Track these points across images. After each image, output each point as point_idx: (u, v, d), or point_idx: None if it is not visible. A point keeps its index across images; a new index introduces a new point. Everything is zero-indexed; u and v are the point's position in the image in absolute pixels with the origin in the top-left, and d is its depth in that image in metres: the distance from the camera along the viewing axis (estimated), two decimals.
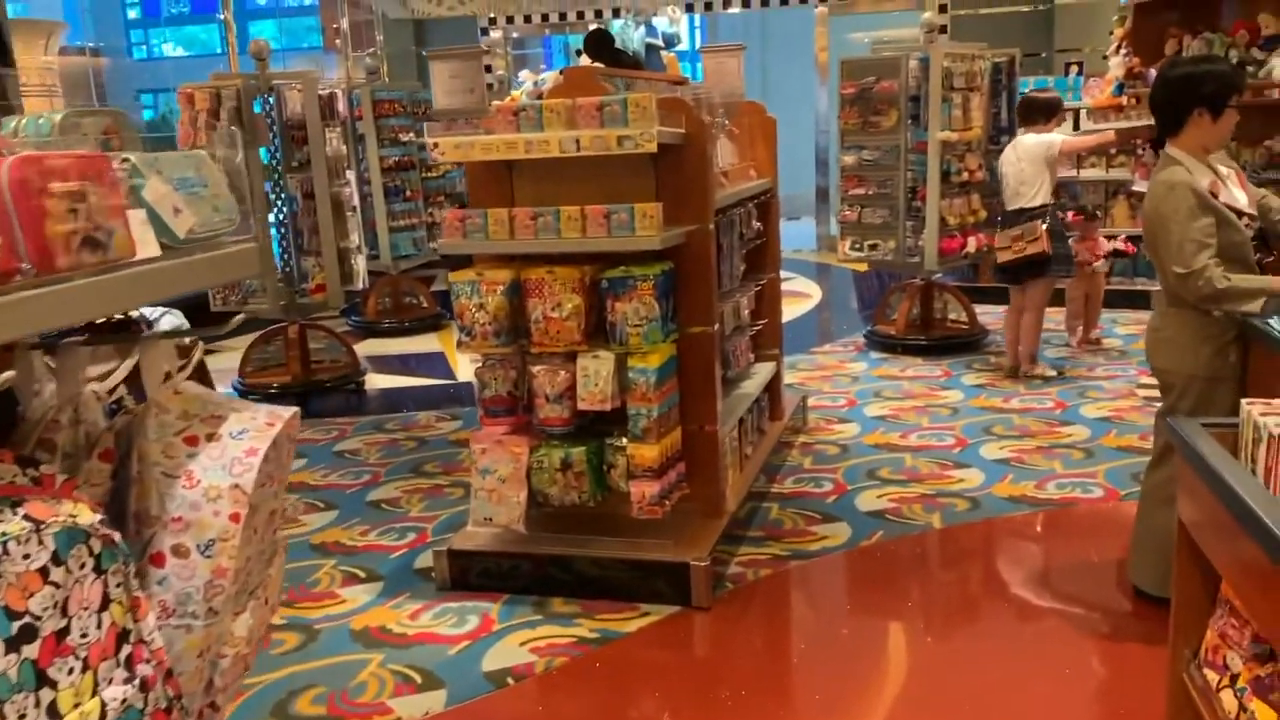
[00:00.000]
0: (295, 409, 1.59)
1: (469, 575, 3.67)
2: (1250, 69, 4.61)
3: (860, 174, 6.90)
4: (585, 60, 4.19)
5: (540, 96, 3.68)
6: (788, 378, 6.21)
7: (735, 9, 12.31)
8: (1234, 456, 1.89)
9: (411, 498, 4.64)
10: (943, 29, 11.30)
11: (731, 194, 4.11)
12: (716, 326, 3.72)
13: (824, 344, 7.36)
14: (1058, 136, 5.90)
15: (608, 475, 3.55)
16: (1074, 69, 8.27)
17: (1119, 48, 5.50)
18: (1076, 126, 7.98)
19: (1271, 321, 2.75)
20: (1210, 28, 4.87)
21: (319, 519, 4.45)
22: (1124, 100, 5.43)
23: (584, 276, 3.41)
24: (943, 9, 11.31)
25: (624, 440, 3.47)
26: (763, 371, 4.76)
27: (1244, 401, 1.88)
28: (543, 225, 3.41)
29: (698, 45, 17.11)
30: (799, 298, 9.27)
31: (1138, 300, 7.84)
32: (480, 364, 3.60)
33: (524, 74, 4.29)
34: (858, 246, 6.96)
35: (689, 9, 12.27)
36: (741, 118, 4.79)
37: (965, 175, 6.52)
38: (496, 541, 3.67)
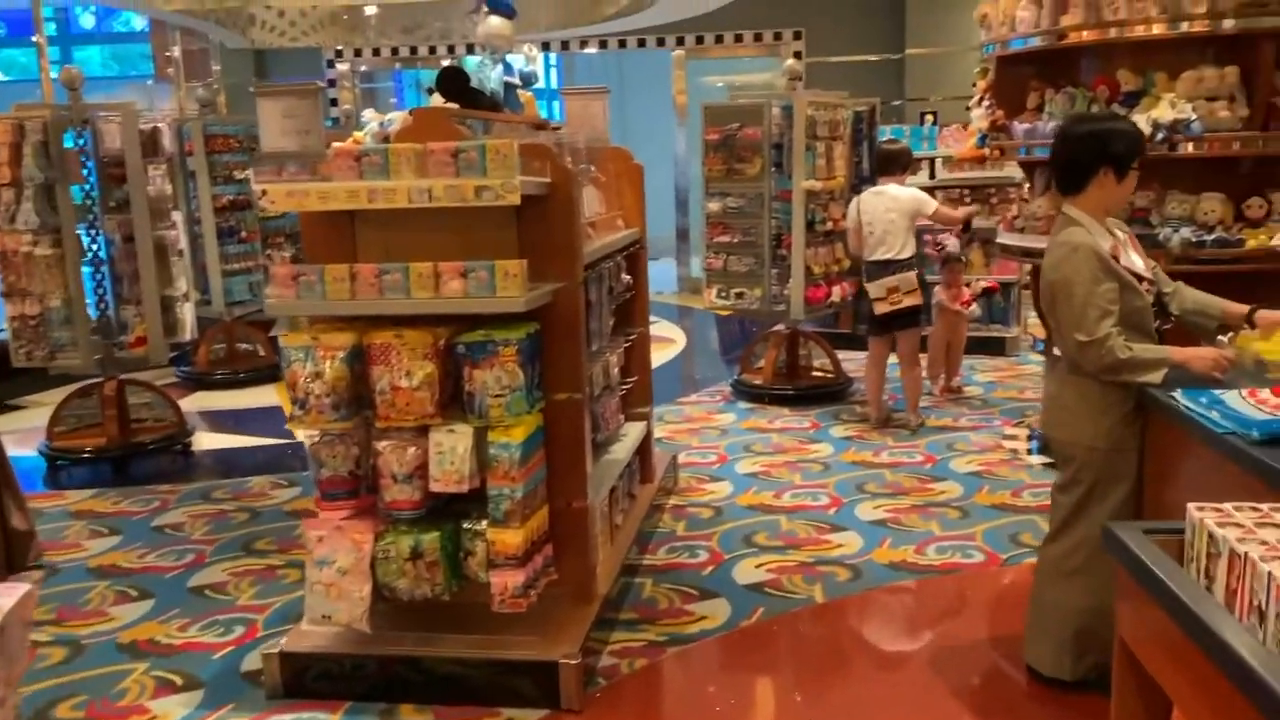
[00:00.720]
0: (28, 588, 1.17)
1: (305, 680, 3.21)
2: None
3: (725, 221, 6.74)
4: (438, 100, 3.83)
5: (387, 139, 3.30)
6: (656, 431, 5.95)
7: (592, 49, 12.16)
8: (1178, 564, 1.68)
9: (241, 582, 4.12)
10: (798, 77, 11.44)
11: (600, 247, 3.82)
12: (586, 391, 3.41)
13: (690, 393, 7.14)
14: (931, 201, 5.89)
15: (464, 564, 3.16)
16: (929, 118, 8.39)
17: (981, 99, 5.50)
18: (932, 175, 8.09)
19: (1174, 394, 2.62)
20: (1071, 82, 4.88)
21: (131, 611, 3.88)
22: (986, 152, 5.43)
23: (437, 341, 3.04)
24: (797, 55, 11.44)
25: (484, 524, 3.10)
26: (633, 432, 4.47)
27: (1191, 506, 1.67)
28: (389, 283, 3.03)
29: (554, 86, 16.92)
30: (663, 343, 9.05)
31: (993, 345, 7.97)
32: (316, 440, 3.17)
33: (368, 113, 3.90)
34: (724, 294, 6.79)
35: (545, 48, 12.05)
36: (607, 164, 4.52)
37: (829, 224, 6.43)
38: (337, 641, 3.22)
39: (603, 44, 12.00)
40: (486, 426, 3.06)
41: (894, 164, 5.94)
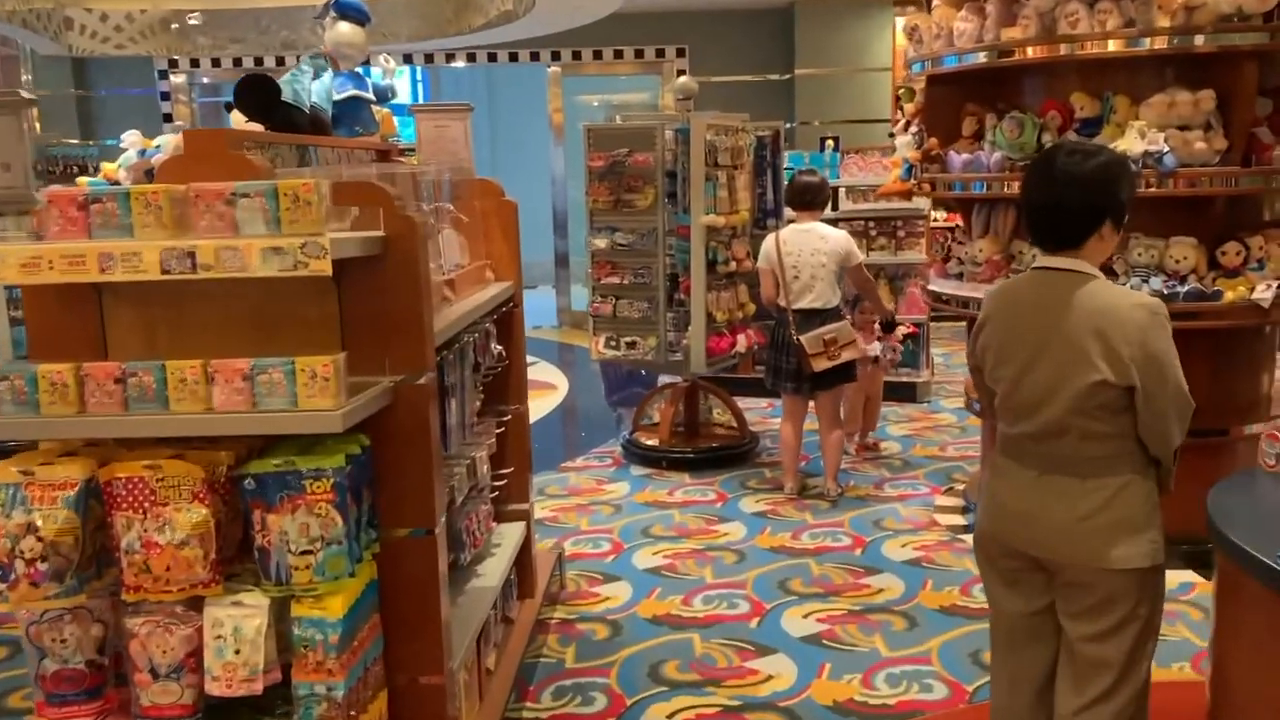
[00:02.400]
0: None
1: None
2: None
3: (613, 260, 5.87)
4: (237, 119, 2.87)
5: (150, 173, 2.32)
6: (536, 510, 5.02)
7: (460, 63, 11.18)
8: None
9: None
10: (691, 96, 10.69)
11: (462, 313, 2.89)
12: (442, 522, 2.47)
13: (576, 457, 6.22)
14: (858, 251, 5.16)
15: None
16: (829, 144, 7.72)
17: (908, 125, 4.80)
18: (835, 207, 7.40)
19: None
20: (1014, 106, 4.20)
21: None
22: (914, 186, 4.71)
23: (212, 473, 2.07)
24: (681, 74, 10.71)
25: None
26: (509, 540, 3.54)
27: None
28: (137, 391, 2.03)
29: (420, 103, 15.83)
30: (542, 389, 8.12)
31: (903, 391, 7.32)
32: (36, 621, 2.14)
33: (128, 136, 2.94)
34: (613, 343, 5.91)
35: (407, 61, 11.02)
36: (471, 201, 3.59)
37: (733, 264, 5.64)
38: None
39: (471, 58, 11.03)
40: (290, 596, 2.09)
41: (815, 198, 5.18)
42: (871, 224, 7.31)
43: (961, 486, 5.32)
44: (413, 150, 8.09)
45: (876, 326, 5.82)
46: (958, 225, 5.03)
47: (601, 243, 5.82)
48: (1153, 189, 3.81)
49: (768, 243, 5.20)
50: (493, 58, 11.00)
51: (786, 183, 5.87)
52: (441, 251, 3.16)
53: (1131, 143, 3.78)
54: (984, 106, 4.40)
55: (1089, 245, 2.27)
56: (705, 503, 5.28)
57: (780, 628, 3.82)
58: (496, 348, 3.34)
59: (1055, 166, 2.28)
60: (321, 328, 2.27)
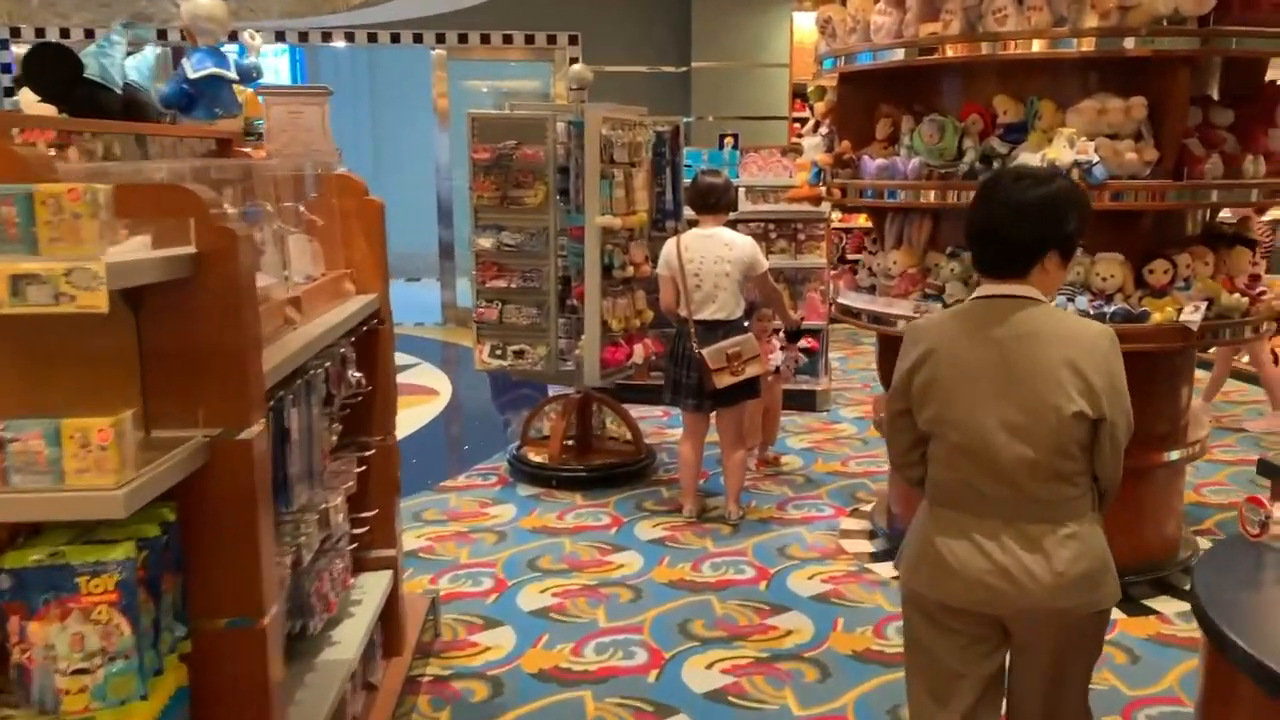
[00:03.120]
0: None
1: None
2: (990, 165, 3.70)
3: (500, 261, 5.40)
4: (28, 99, 2.32)
5: None
6: (409, 537, 4.54)
7: (339, 43, 10.48)
8: None
9: None
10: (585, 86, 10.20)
11: (310, 339, 2.40)
12: (273, 611, 1.99)
13: (458, 474, 5.73)
14: (764, 260, 4.81)
15: None
16: (729, 141, 7.39)
17: (817, 125, 4.46)
18: (735, 208, 7.06)
19: None
20: (931, 108, 3.90)
21: None
22: (823, 191, 4.38)
23: None
24: (574, 62, 10.25)
25: None
26: (372, 594, 3.07)
27: None
28: None
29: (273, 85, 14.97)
30: (422, 395, 7.59)
31: (802, 400, 7.05)
32: None
33: None
34: (499, 352, 5.44)
35: (279, 38, 10.27)
36: (329, 200, 3.09)
37: (630, 269, 5.23)
38: None
39: (350, 37, 10.34)
40: None
41: (719, 200, 4.81)
42: (772, 226, 7.00)
43: (868, 508, 5.04)
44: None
45: (780, 335, 5.50)
46: (860, 229, 4.73)
47: (487, 242, 5.34)
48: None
49: (668, 247, 4.81)
50: (373, 38, 10.33)
51: (687, 182, 5.49)
52: (288, 262, 2.67)
53: (1060, 151, 3.50)
54: (900, 108, 4.09)
55: (1032, 276, 2.14)
56: (599, 528, 4.87)
57: (681, 682, 3.44)
58: (354, 375, 2.86)
59: (999, 192, 2.16)
60: (114, 369, 1.77)
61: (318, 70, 14.43)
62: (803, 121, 10.96)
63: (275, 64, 15.95)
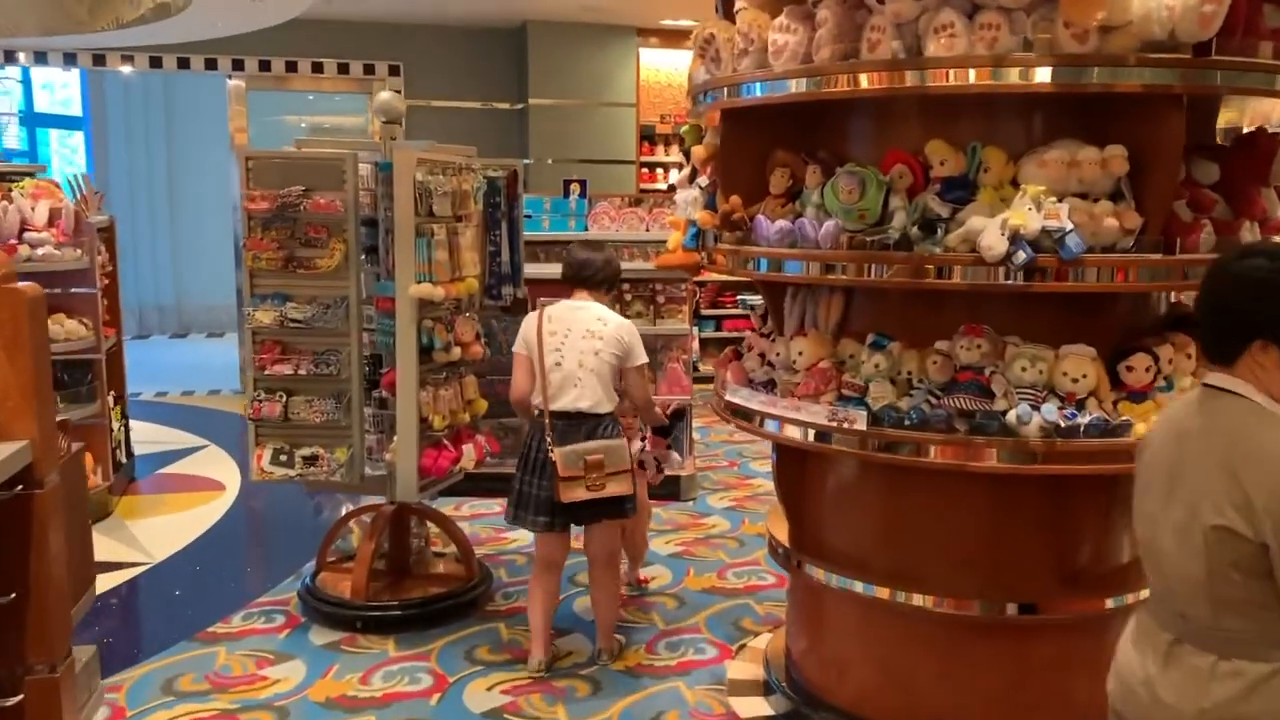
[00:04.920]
0: None
1: None
2: (931, 232, 2.81)
3: (284, 340, 4.20)
4: None
5: None
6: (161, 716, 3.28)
7: (125, 68, 8.97)
8: None
9: None
10: (398, 120, 8.98)
11: None
12: None
13: (233, 611, 4.43)
14: (643, 352, 3.82)
15: None
16: (574, 189, 6.40)
17: (694, 175, 3.50)
18: None
19: None
20: (839, 155, 3.00)
21: None
22: (702, 258, 3.42)
23: None
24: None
25: None
26: None
27: None
28: None
29: (81, 113, 13.19)
30: (202, 491, 6.22)
31: (667, 487, 6.04)
32: None
33: None
34: (284, 457, 4.22)
35: (39, 60, 8.68)
36: None
37: (455, 351, 4.13)
38: None
39: (127, 59, 8.86)
40: None
41: (598, 275, 3.81)
42: (626, 287, 6.02)
43: (759, 644, 4.07)
44: (28, 175, 5.99)
45: (640, 426, 4.46)
46: (715, 281, 3.79)
47: (266, 317, 4.14)
48: (1041, 282, 2.71)
49: (528, 322, 3.77)
50: (156, 62, 8.89)
51: (534, 236, 4.48)
52: None
53: (1024, 216, 2.64)
54: (798, 155, 3.18)
55: (1240, 366, 1.82)
56: (416, 695, 3.70)
57: None
58: None
59: (1219, 264, 1.87)
60: None
61: (103, 98, 12.68)
62: (652, 167, 10.17)
63: (65, 93, 14.09)
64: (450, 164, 4.15)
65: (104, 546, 5.15)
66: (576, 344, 3.70)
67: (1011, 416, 2.79)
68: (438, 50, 9.47)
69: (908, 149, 2.97)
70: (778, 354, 3.30)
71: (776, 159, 3.26)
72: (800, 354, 3.19)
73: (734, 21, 3.14)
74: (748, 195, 3.26)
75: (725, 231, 3.26)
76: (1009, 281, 2.70)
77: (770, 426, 3.24)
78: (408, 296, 3.91)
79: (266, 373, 4.18)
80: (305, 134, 12.36)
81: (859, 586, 3.21)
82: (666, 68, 9.81)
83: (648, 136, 9.80)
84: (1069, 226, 2.64)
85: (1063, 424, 2.76)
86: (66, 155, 14.43)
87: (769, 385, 3.33)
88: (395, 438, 4.07)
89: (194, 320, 12.70)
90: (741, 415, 3.35)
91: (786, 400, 3.17)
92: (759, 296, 4.19)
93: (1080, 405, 2.83)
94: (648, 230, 6.07)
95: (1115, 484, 2.85)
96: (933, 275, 2.84)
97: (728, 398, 3.41)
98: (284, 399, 4.17)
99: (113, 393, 5.99)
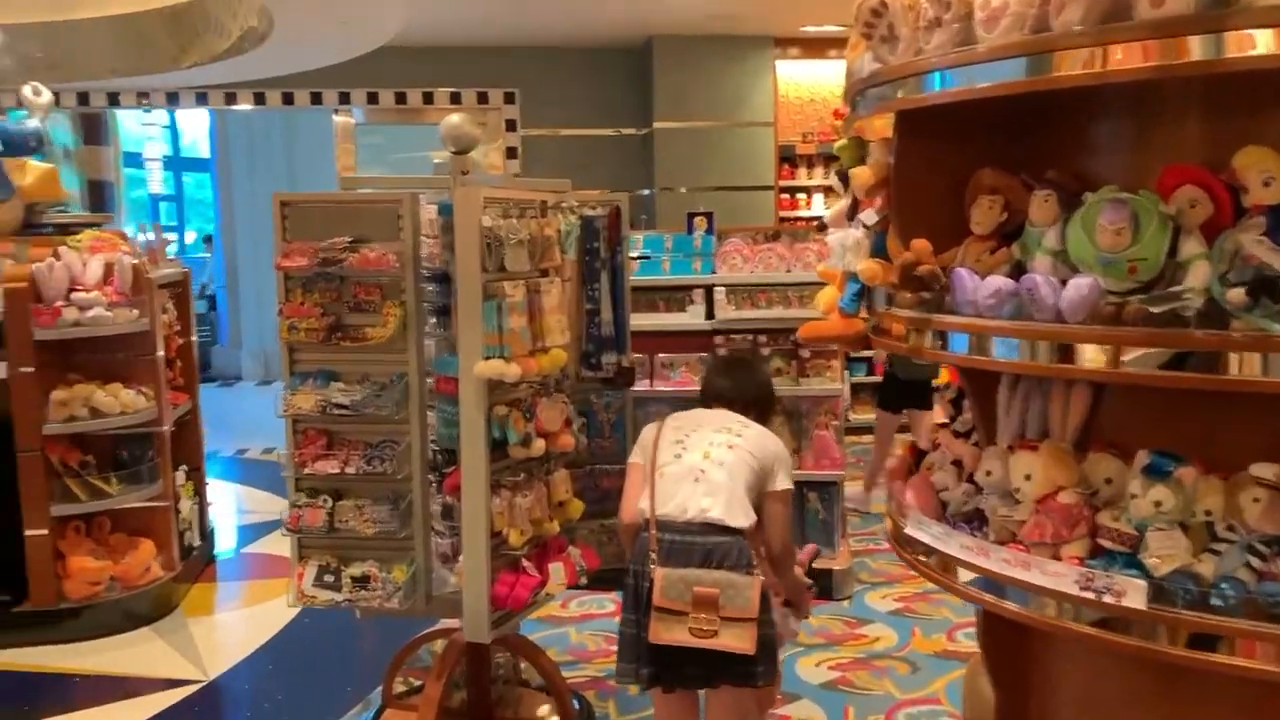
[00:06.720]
0: None
1: None
2: (1263, 295, 1.72)
3: (329, 429, 3.35)
4: None
5: None
6: None
7: (245, 106, 8.53)
8: None
9: None
10: (510, 153, 8.31)
11: None
12: None
13: None
14: (788, 462, 2.88)
15: None
16: (700, 224, 5.42)
17: (855, 208, 2.46)
18: (710, 315, 5.07)
19: None
20: (1084, 175, 1.92)
21: None
22: (865, 323, 2.38)
23: None
24: (510, 126, 8.34)
25: None
26: None
27: None
28: None
29: (208, 154, 13.10)
30: (280, 578, 5.41)
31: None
32: None
33: None
34: (329, 577, 3.36)
35: (171, 102, 8.29)
36: None
37: (537, 444, 3.18)
38: None
39: (230, 97, 8.40)
40: None
41: (743, 400, 2.96)
42: (763, 339, 4.99)
43: None
44: (91, 226, 5.40)
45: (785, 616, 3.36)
46: (951, 385, 2.68)
47: (306, 401, 3.29)
48: None
49: (648, 430, 2.89)
50: (260, 99, 8.40)
51: (642, 281, 3.53)
52: None
53: None
54: (1015, 176, 2.11)
55: None
56: None
57: None
58: None
59: None
60: None
61: (226, 134, 12.48)
62: (793, 192, 9.11)
63: (188, 127, 14.09)
64: (527, 203, 3.22)
65: (157, 656, 4.43)
66: (706, 435, 2.78)
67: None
68: (555, 74, 8.69)
69: (1198, 162, 1.86)
70: (988, 472, 2.21)
71: (982, 182, 2.19)
72: (1028, 477, 2.09)
73: None
74: (937, 237, 2.19)
75: (905, 291, 2.20)
76: None
77: (977, 583, 2.15)
78: (472, 377, 2.99)
79: (307, 471, 3.33)
80: (435, 170, 11.86)
81: None
82: (808, 80, 8.78)
83: (787, 158, 8.78)
84: None
85: None
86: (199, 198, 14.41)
87: (974, 518, 2.25)
88: (463, 558, 3.15)
89: None
90: (932, 562, 2.27)
91: (1007, 550, 2.07)
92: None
93: None
94: (788, 270, 5.03)
95: None
96: (1258, 370, 1.73)
97: (910, 531, 2.34)
98: (329, 504, 3.31)
99: (184, 466, 5.33)
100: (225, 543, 6.05)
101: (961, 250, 2.18)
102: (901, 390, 6.00)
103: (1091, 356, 1.90)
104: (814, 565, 3.32)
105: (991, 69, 1.94)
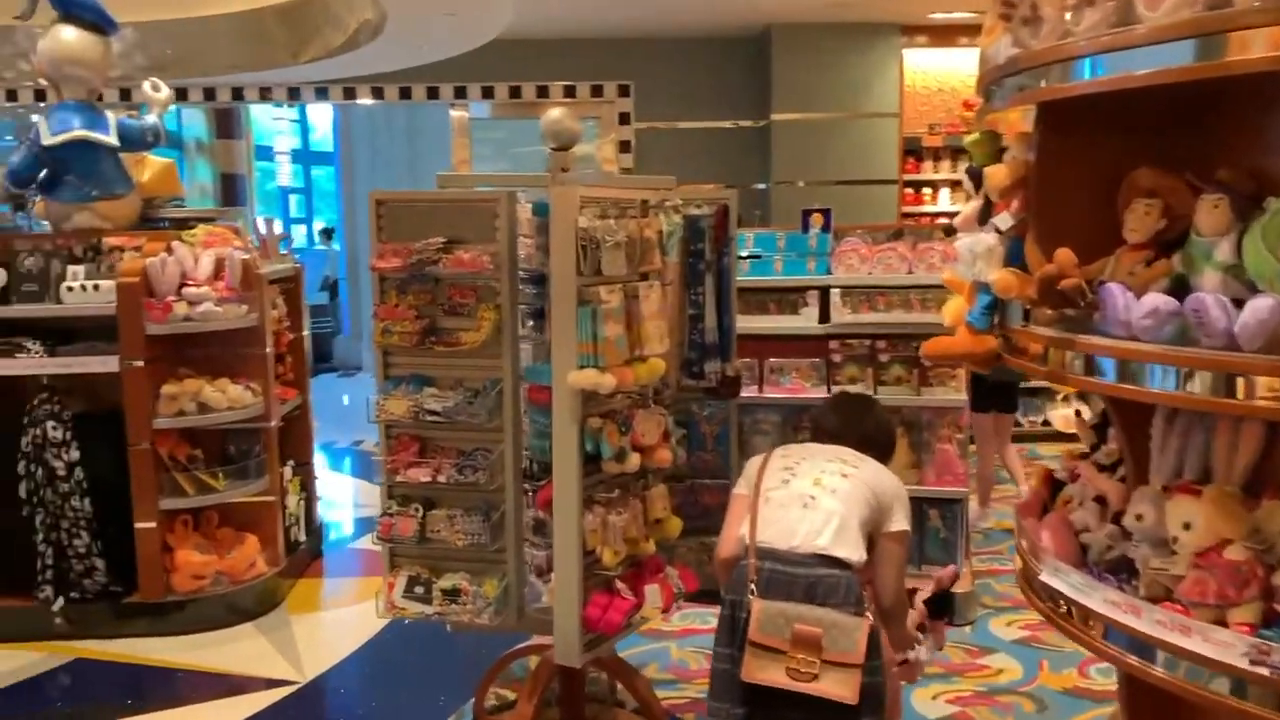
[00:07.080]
0: None
1: None
2: None
3: (422, 435, 3.24)
4: None
5: None
6: None
7: (365, 100, 8.63)
8: None
9: None
10: (624, 146, 8.16)
11: None
12: None
13: None
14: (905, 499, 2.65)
15: None
16: (815, 221, 5.15)
17: (985, 212, 2.20)
18: (825, 318, 4.80)
19: None
20: (1262, 175, 1.63)
21: None
22: (999, 342, 2.11)
23: None
24: (624, 119, 8.20)
25: None
26: None
27: None
28: None
29: (332, 147, 13.39)
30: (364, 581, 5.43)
31: (932, 608, 4.66)
32: None
33: None
34: (420, 589, 3.25)
35: (293, 97, 8.45)
36: None
37: (632, 459, 2.99)
38: None
39: (349, 92, 8.49)
40: None
41: (856, 440, 2.73)
42: (880, 345, 4.70)
43: None
44: (206, 220, 5.46)
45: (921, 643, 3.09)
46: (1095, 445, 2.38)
47: (399, 407, 3.18)
48: None
49: (753, 461, 2.68)
50: (379, 93, 8.46)
51: (749, 282, 3.32)
52: None
53: None
54: (1177, 177, 1.82)
55: None
56: None
57: None
58: None
59: None
60: None
61: (350, 127, 12.71)
62: (918, 186, 8.71)
63: (316, 121, 14.44)
64: (627, 202, 3.03)
65: (258, 654, 4.43)
66: (819, 463, 2.58)
67: None
68: (669, 65, 8.50)
69: None
70: (1139, 516, 1.93)
71: (1138, 183, 1.90)
72: (1187, 526, 1.81)
73: None
74: (1084, 245, 1.91)
75: (1044, 307, 1.93)
76: None
77: (1121, 641, 1.88)
78: (565, 388, 2.82)
79: (399, 478, 3.22)
80: (541, 165, 11.84)
81: None
82: (936, 69, 8.36)
83: (913, 151, 8.39)
84: None
85: None
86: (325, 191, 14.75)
87: (1120, 567, 1.97)
88: (555, 576, 3.00)
89: None
90: (1070, 612, 2.00)
91: (1162, 609, 1.79)
92: None
93: None
94: (910, 272, 4.72)
95: None
96: None
97: (1046, 579, 2.07)
98: (420, 513, 3.21)
99: (291, 461, 5.35)
100: (334, 537, 6.07)
101: (1112, 262, 1.91)
102: (988, 391, 5.60)
103: (1268, 390, 1.61)
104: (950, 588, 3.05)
105: (1154, 53, 1.66)
